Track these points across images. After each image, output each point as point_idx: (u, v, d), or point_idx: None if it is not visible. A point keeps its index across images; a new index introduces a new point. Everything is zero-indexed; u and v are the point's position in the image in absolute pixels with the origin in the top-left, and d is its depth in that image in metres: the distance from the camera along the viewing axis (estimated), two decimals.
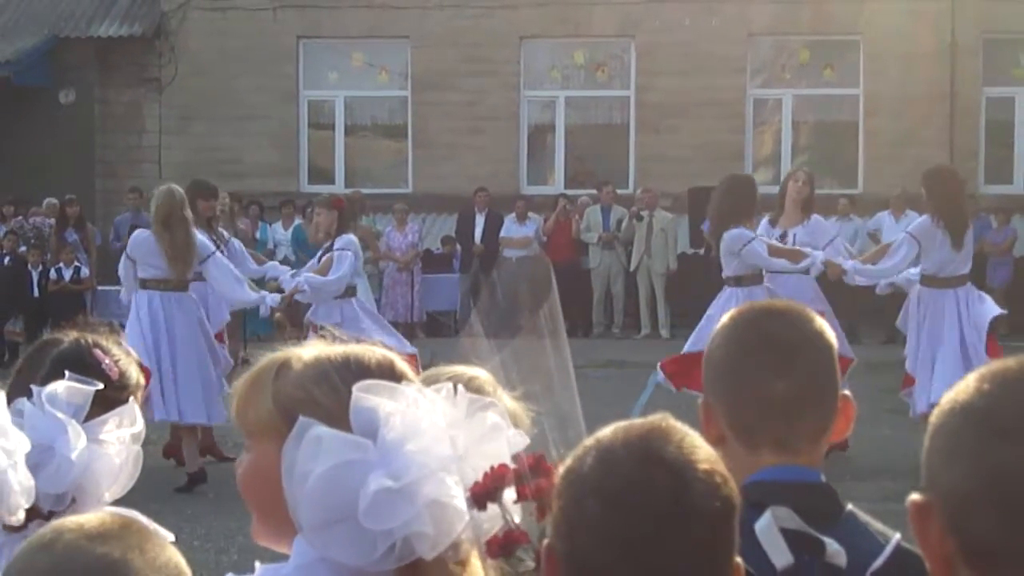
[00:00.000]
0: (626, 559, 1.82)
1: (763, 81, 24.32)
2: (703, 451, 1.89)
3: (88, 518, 1.83)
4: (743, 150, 23.79)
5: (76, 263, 20.38)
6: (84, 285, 20.39)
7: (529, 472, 2.04)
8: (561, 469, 1.92)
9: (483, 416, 2.11)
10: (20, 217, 21.59)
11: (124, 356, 3.01)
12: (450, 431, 2.06)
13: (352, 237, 12.35)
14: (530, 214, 22.57)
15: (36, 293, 20.16)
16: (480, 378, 2.65)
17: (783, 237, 12.43)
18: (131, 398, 2.92)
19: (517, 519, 2.09)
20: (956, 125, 23.26)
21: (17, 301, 20.12)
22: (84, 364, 2.88)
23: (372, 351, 2.23)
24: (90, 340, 2.98)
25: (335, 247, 12.20)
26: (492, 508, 2.06)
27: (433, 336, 21.35)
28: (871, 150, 23.37)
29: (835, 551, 2.51)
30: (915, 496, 1.64)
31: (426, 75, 24.11)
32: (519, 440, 2.12)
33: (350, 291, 12.37)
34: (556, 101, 24.58)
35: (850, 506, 2.63)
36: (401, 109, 24.78)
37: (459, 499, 2.03)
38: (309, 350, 2.23)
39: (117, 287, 21.22)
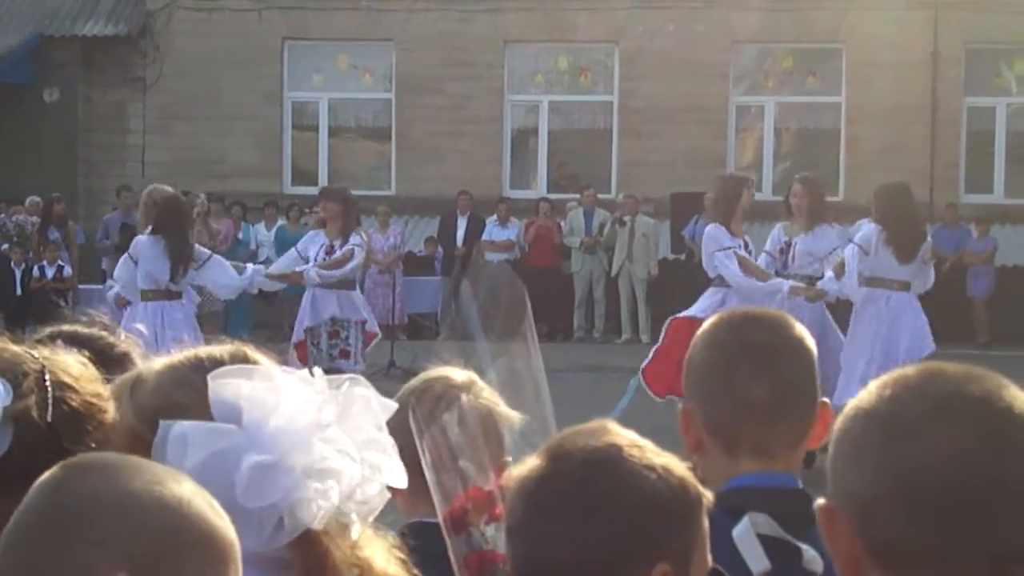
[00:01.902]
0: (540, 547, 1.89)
1: (746, 88, 24.41)
2: (623, 440, 1.95)
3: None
4: (725, 156, 23.86)
5: (59, 262, 20.36)
6: (66, 284, 20.37)
7: (502, 494, 2.04)
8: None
9: (349, 389, 2.09)
10: (3, 215, 21.58)
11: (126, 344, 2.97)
12: (311, 402, 2.04)
13: (363, 236, 13.22)
14: (512, 218, 22.62)
15: (19, 291, 20.11)
16: (471, 381, 2.69)
17: (788, 245, 12.44)
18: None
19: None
20: (938, 134, 23.36)
21: (0, 299, 20.09)
22: (81, 338, 2.82)
23: (222, 347, 2.21)
24: (88, 332, 2.95)
25: (352, 242, 13.03)
26: (371, 467, 2.04)
27: (414, 338, 21.37)
28: (853, 158, 23.45)
29: (811, 557, 2.52)
30: (821, 500, 1.69)
31: (410, 78, 24.14)
32: (388, 405, 2.11)
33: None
34: (540, 105, 24.63)
35: None
36: (385, 111, 24.80)
37: (334, 461, 2.00)
38: (158, 361, 2.22)
39: (99, 286, 21.39)
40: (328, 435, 2.03)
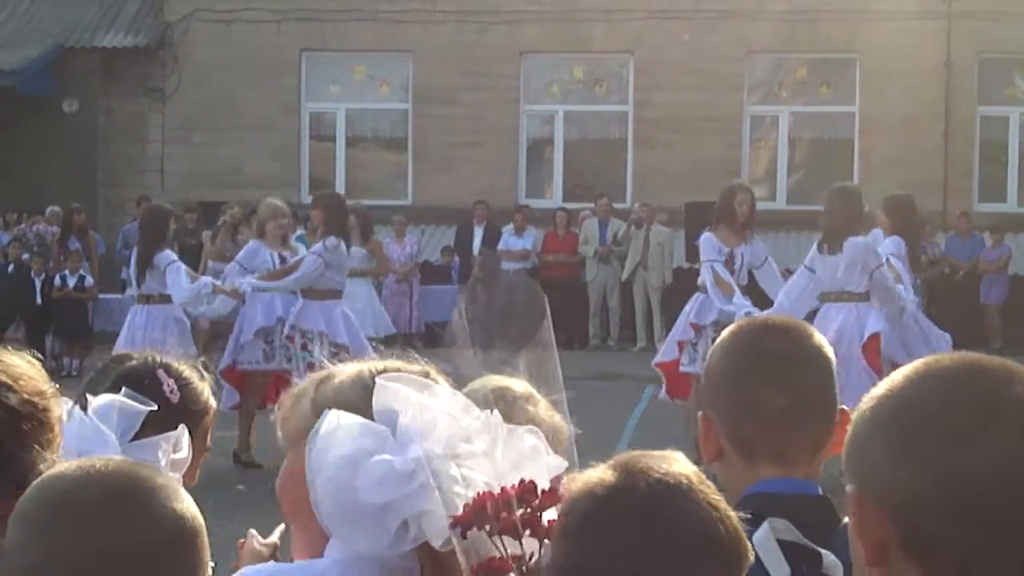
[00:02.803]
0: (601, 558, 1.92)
1: (760, 98, 24.48)
2: (693, 475, 1.99)
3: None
4: (739, 166, 23.91)
5: (80, 271, 20.47)
6: (88, 294, 20.49)
7: (514, 501, 2.03)
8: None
9: (520, 434, 2.12)
10: (23, 225, 21.70)
11: (197, 379, 3.02)
12: (468, 427, 2.08)
13: (333, 241, 12.66)
14: (529, 227, 22.70)
15: (39, 301, 20.22)
16: (525, 391, 2.72)
17: (731, 256, 12.23)
18: (181, 425, 2.87)
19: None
20: (951, 143, 23.41)
21: (20, 308, 20.20)
22: (146, 384, 2.89)
23: (413, 364, 2.27)
24: (159, 360, 3.00)
25: (312, 250, 12.94)
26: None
27: (431, 347, 21.45)
28: (866, 167, 23.49)
29: (831, 563, 2.54)
30: (850, 487, 1.70)
31: (427, 88, 24.25)
32: (557, 464, 2.12)
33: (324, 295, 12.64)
34: (555, 115, 24.72)
35: (847, 519, 2.68)
36: (402, 122, 24.91)
37: (470, 487, 2.03)
38: (352, 366, 2.29)
39: (119, 295, 21.53)
40: (472, 462, 2.06)
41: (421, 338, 21.65)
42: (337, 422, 2.07)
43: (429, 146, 24.28)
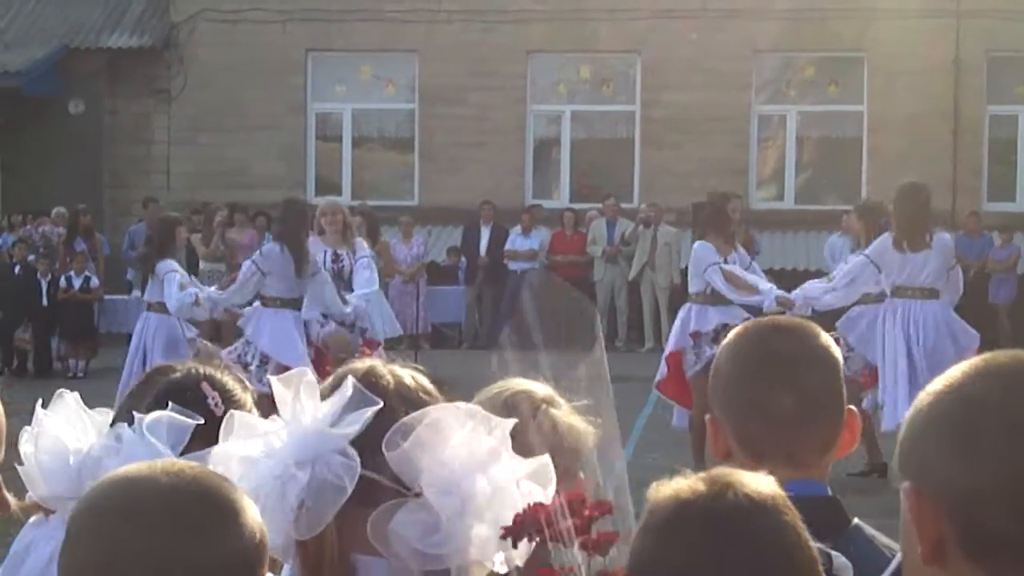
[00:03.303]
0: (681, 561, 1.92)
1: (768, 97, 24.43)
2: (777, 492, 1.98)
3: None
4: (747, 166, 23.89)
5: (86, 272, 20.46)
6: (93, 295, 20.48)
7: (564, 512, 2.06)
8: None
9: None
10: (29, 226, 21.70)
11: (240, 391, 2.97)
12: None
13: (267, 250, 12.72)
14: (539, 227, 22.69)
15: (45, 302, 20.22)
16: (552, 396, 2.70)
17: (726, 263, 12.30)
18: None
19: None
20: (960, 143, 23.35)
21: (27, 309, 20.20)
22: (190, 397, 2.86)
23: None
24: (202, 372, 2.96)
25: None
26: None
27: (438, 348, 21.45)
28: (874, 167, 23.44)
29: (841, 564, 2.51)
30: (906, 483, 1.70)
31: (433, 88, 24.22)
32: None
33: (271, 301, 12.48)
34: (562, 115, 24.69)
35: (856, 520, 2.67)
36: (408, 122, 24.89)
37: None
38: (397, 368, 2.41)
39: (125, 296, 21.52)
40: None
41: (427, 339, 21.63)
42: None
43: (435, 146, 24.26)
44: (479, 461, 2.15)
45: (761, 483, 1.97)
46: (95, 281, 20.52)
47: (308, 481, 2.14)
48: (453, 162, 24.00)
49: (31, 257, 20.90)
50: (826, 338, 2.73)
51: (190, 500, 1.77)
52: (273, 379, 2.29)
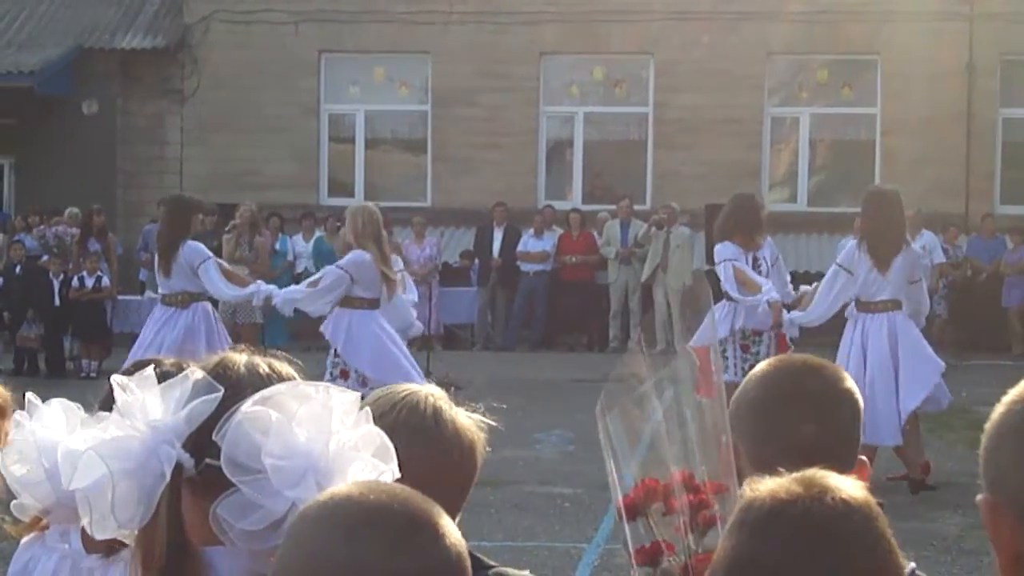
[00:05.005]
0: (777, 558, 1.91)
1: (781, 99, 24.43)
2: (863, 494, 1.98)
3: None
4: (760, 168, 23.88)
5: (98, 272, 20.49)
6: (104, 293, 20.50)
7: (680, 486, 2.11)
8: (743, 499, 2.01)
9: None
10: (42, 226, 21.74)
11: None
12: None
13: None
14: (553, 227, 22.72)
15: (57, 302, 20.24)
16: (435, 395, 2.70)
17: (756, 259, 12.23)
18: None
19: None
20: (972, 145, 23.33)
21: (34, 308, 20.21)
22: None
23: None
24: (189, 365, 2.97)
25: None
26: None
27: (450, 349, 21.48)
28: (887, 169, 23.42)
29: None
30: (980, 495, 1.69)
31: (446, 90, 24.23)
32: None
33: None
34: (575, 117, 24.70)
35: None
36: (421, 123, 24.91)
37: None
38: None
39: (138, 296, 21.56)
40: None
41: (439, 339, 21.65)
42: None
43: (448, 148, 24.27)
44: (307, 433, 2.15)
45: (856, 488, 1.99)
46: (107, 281, 20.54)
47: (131, 474, 2.16)
48: (466, 163, 24.02)
49: (44, 257, 20.94)
50: (851, 382, 2.84)
51: (392, 514, 1.82)
52: (114, 376, 2.31)
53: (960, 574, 8.75)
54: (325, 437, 2.15)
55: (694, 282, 19.11)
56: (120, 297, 21.33)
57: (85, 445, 2.19)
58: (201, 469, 2.18)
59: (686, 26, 23.59)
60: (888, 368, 11.29)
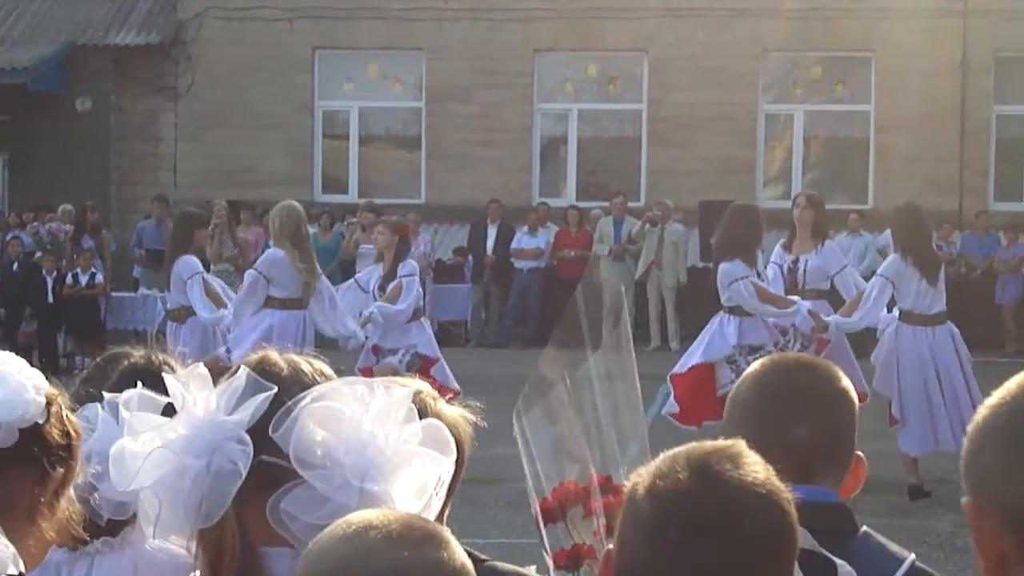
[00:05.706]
0: (669, 562, 1.88)
1: (775, 96, 24.41)
2: (763, 475, 1.94)
3: (392, 517, 1.89)
4: (754, 165, 23.88)
5: (92, 269, 20.48)
6: (98, 290, 20.48)
7: (597, 489, 2.10)
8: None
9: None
10: (36, 223, 21.71)
11: None
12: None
13: (415, 264, 12.67)
14: (548, 224, 22.70)
15: (51, 299, 20.22)
16: (422, 390, 2.72)
17: (795, 264, 12.30)
18: None
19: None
20: (967, 142, 23.33)
21: (30, 305, 20.20)
22: (155, 379, 2.74)
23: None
24: (160, 358, 2.96)
25: (401, 274, 12.38)
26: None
27: (444, 346, 21.40)
28: (882, 166, 23.44)
29: (847, 573, 2.54)
30: (966, 498, 1.68)
31: (440, 87, 24.22)
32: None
33: (418, 314, 12.65)
34: (569, 114, 24.69)
35: (865, 528, 2.70)
36: (415, 120, 24.90)
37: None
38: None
39: (131, 293, 21.54)
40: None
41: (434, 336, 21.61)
42: None
43: (442, 145, 24.26)
44: (372, 428, 2.18)
45: (744, 465, 1.93)
46: (100, 277, 20.53)
47: (204, 471, 2.17)
48: (460, 160, 24.00)
49: (38, 254, 20.91)
50: (847, 381, 2.81)
51: (409, 533, 1.84)
52: (167, 376, 2.32)
53: (953, 571, 8.76)
54: (388, 430, 2.18)
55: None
56: (114, 294, 21.30)
57: (151, 445, 2.21)
58: (256, 465, 2.19)
59: (680, 23, 23.58)
60: (960, 379, 11.63)
